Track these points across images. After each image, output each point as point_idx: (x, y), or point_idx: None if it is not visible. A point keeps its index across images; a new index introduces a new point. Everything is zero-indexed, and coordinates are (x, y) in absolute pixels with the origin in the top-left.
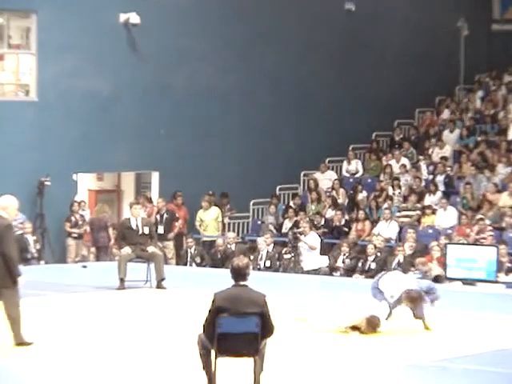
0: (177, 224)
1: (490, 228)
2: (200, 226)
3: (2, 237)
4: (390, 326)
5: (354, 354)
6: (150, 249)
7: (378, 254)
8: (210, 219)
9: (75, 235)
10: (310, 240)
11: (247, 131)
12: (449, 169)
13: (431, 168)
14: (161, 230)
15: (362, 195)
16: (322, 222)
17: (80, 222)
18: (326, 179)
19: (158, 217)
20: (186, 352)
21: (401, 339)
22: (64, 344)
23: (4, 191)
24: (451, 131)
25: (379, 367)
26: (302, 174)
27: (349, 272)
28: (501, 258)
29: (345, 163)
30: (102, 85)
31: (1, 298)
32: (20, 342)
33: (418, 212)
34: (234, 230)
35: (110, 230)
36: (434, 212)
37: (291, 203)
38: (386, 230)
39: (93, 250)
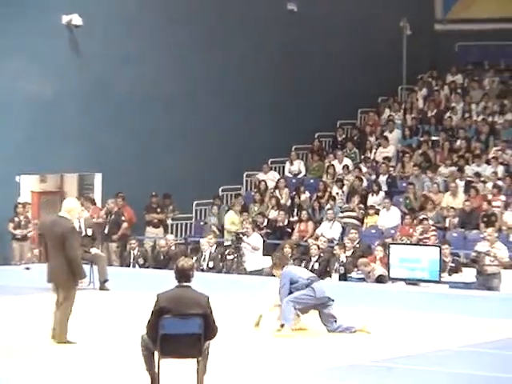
0: (124, 225)
1: (433, 228)
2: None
3: (66, 238)
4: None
5: (297, 355)
6: (93, 250)
7: (322, 254)
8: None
9: (19, 237)
10: (253, 241)
11: (190, 132)
12: (391, 169)
13: (374, 168)
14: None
15: (304, 196)
16: (265, 223)
17: (23, 223)
18: (268, 180)
19: (107, 218)
20: (129, 353)
21: (343, 339)
22: (6, 347)
23: None
24: (390, 131)
25: (323, 367)
26: (244, 175)
27: None
28: (444, 257)
29: (287, 164)
30: (45, 86)
31: (59, 296)
32: (62, 341)
33: (362, 212)
34: (177, 231)
35: None
36: (376, 212)
37: (233, 204)
38: (329, 230)
39: (36, 251)
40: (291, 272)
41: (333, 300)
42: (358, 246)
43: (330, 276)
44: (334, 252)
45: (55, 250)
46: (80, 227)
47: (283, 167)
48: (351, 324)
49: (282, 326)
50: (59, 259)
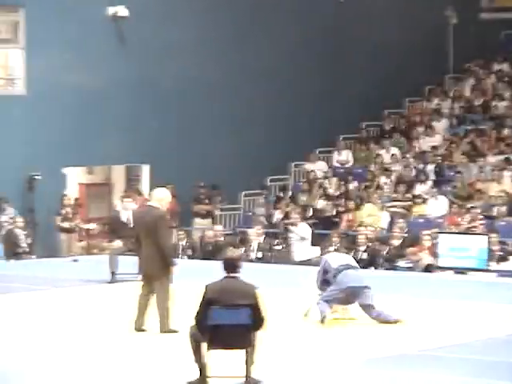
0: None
1: (481, 217)
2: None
3: (157, 226)
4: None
5: (345, 345)
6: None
7: (369, 244)
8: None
9: (66, 229)
10: (301, 231)
11: (237, 122)
12: (439, 158)
13: (421, 157)
14: None
15: (352, 185)
16: (311, 213)
17: (70, 216)
18: (316, 169)
19: None
20: (179, 344)
21: (391, 329)
22: (57, 339)
23: None
24: (438, 120)
25: (371, 357)
26: (292, 165)
27: None
28: (492, 246)
29: (335, 153)
30: (91, 78)
31: (148, 286)
32: (166, 331)
33: (409, 203)
34: (225, 222)
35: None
36: (424, 201)
37: (281, 194)
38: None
39: (83, 243)
40: (327, 260)
41: (369, 288)
42: (406, 235)
43: (376, 267)
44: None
45: (148, 239)
46: (127, 219)
47: (331, 157)
48: (390, 313)
49: (323, 321)
50: (152, 248)
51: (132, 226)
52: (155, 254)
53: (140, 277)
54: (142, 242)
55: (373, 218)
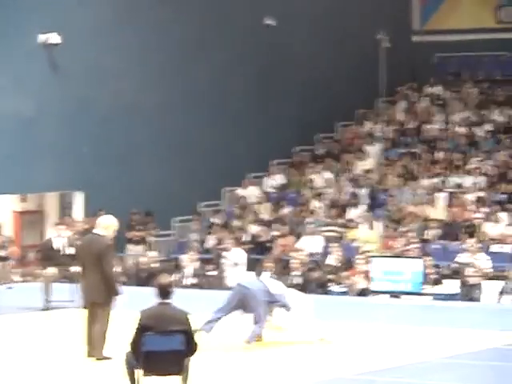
0: None
1: (416, 240)
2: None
3: (103, 255)
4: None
5: (281, 368)
6: (75, 268)
7: (303, 269)
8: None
9: (0, 257)
10: (234, 256)
11: (169, 148)
12: (372, 181)
13: (354, 181)
14: None
15: (285, 210)
16: (247, 238)
17: (6, 244)
18: (248, 195)
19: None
20: (113, 371)
21: (325, 352)
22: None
23: None
24: (371, 144)
25: (308, 381)
26: (224, 190)
27: None
28: (426, 269)
29: (266, 178)
30: (25, 105)
31: (92, 313)
32: (100, 358)
33: (343, 229)
34: (159, 248)
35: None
36: (357, 225)
37: (215, 220)
38: (311, 244)
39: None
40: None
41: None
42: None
43: (310, 291)
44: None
45: (92, 267)
46: (62, 245)
47: (263, 182)
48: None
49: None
50: (96, 276)
51: (75, 253)
52: (99, 282)
53: (82, 304)
54: (85, 270)
55: (372, 245)
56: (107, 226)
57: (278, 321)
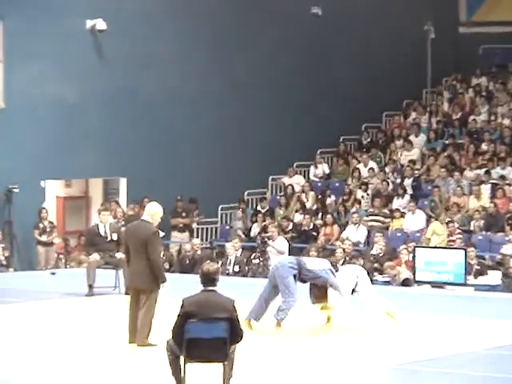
0: None
1: (459, 231)
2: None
3: (149, 242)
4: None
5: (321, 356)
6: (119, 255)
7: (347, 257)
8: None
9: (44, 242)
10: (279, 244)
11: (215, 136)
12: (417, 172)
13: (399, 171)
14: None
15: (330, 199)
16: (291, 227)
17: (48, 229)
18: (294, 183)
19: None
20: (156, 358)
21: (371, 341)
22: (38, 353)
23: None
24: (416, 135)
25: (349, 369)
26: (269, 179)
27: None
28: (469, 260)
29: (312, 167)
30: (70, 91)
31: (136, 300)
32: (143, 344)
33: (388, 219)
34: (202, 236)
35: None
36: (402, 215)
37: (259, 208)
38: (355, 234)
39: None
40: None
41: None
42: (383, 249)
43: None
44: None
45: (137, 253)
46: (105, 232)
47: (308, 171)
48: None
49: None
50: (142, 263)
51: (121, 239)
52: (145, 269)
53: (126, 290)
54: (131, 256)
55: (439, 236)
56: (153, 213)
57: (332, 301)
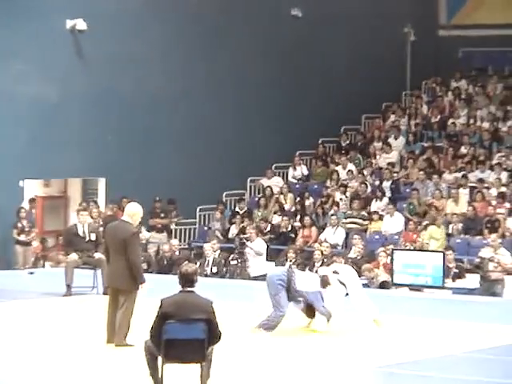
0: None
1: None
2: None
3: (128, 242)
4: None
5: (300, 357)
6: (97, 255)
7: (325, 260)
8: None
9: (22, 242)
10: (257, 246)
11: (193, 137)
12: (395, 175)
13: (378, 173)
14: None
15: (308, 201)
16: (269, 228)
17: (27, 229)
18: (272, 185)
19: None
20: (134, 358)
21: (348, 343)
22: (10, 352)
23: None
24: (396, 138)
25: (327, 371)
26: (248, 180)
27: None
28: (447, 263)
29: (290, 169)
30: (49, 91)
31: (114, 300)
32: (121, 344)
33: (366, 222)
34: (180, 236)
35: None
36: (380, 218)
37: (237, 209)
38: (333, 236)
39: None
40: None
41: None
42: (361, 251)
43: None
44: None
45: (117, 254)
46: (84, 232)
47: (287, 172)
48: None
49: None
50: (121, 263)
51: (100, 239)
52: (124, 269)
53: (104, 290)
54: (110, 256)
55: (437, 241)
56: (133, 213)
57: (316, 324)
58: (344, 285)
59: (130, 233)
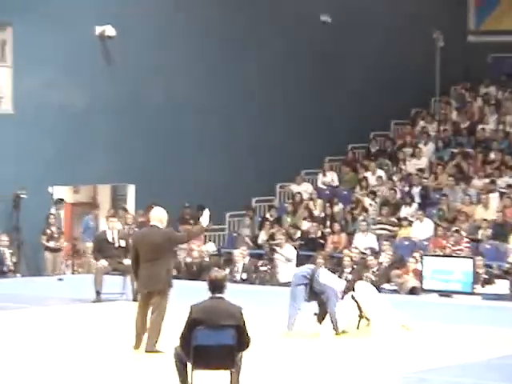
0: None
1: (466, 240)
2: None
3: (165, 246)
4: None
5: (332, 363)
6: (126, 261)
7: (355, 266)
8: None
9: (51, 248)
10: (286, 252)
11: (223, 143)
12: (425, 181)
13: (407, 179)
14: None
15: (338, 207)
16: (298, 234)
17: (56, 235)
18: (302, 191)
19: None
20: (164, 365)
21: (378, 350)
22: (39, 358)
23: None
24: (425, 144)
25: (357, 378)
26: (277, 186)
27: None
28: (477, 269)
29: (320, 175)
30: (78, 97)
31: (147, 306)
32: (151, 351)
33: (396, 228)
34: (210, 243)
35: None
36: (410, 224)
37: (267, 215)
38: (363, 242)
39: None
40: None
41: None
42: (391, 257)
43: None
44: (369, 262)
45: (151, 258)
46: (113, 238)
47: (316, 179)
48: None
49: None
50: (156, 267)
51: (132, 245)
52: (159, 272)
53: (134, 296)
54: (142, 262)
55: None
56: (162, 217)
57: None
58: (357, 302)
59: (169, 236)
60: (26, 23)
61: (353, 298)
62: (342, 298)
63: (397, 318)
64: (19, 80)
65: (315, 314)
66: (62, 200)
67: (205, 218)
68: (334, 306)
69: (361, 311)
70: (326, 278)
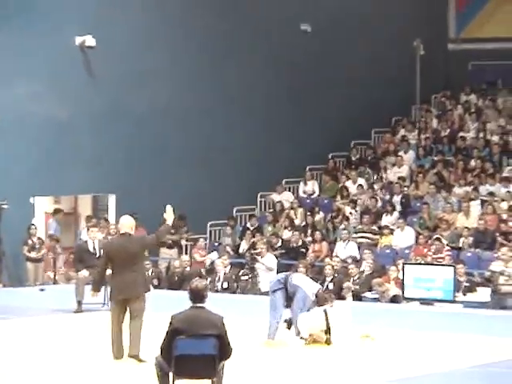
0: None
1: (448, 248)
2: None
3: (140, 253)
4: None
5: (314, 371)
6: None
7: (336, 274)
8: None
9: (33, 258)
10: (267, 261)
11: (204, 153)
12: (405, 189)
13: (388, 188)
14: None
15: (319, 216)
16: (279, 243)
17: (37, 246)
18: (283, 200)
19: None
20: (145, 374)
21: (359, 358)
22: (21, 369)
23: None
24: (405, 152)
25: None
26: (258, 196)
27: None
28: (458, 277)
29: (301, 184)
30: (59, 108)
31: (124, 314)
32: (135, 355)
33: (377, 236)
34: (191, 252)
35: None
36: (391, 232)
37: (248, 224)
38: (344, 250)
39: (50, 274)
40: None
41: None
42: (372, 266)
43: (344, 297)
44: (350, 271)
45: (127, 266)
46: (94, 248)
47: (297, 187)
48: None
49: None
50: (132, 274)
51: (104, 253)
52: (135, 279)
53: (112, 304)
54: (117, 269)
55: None
56: (132, 224)
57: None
58: (327, 317)
59: (141, 243)
60: (5, 34)
61: (325, 312)
62: (315, 306)
63: (354, 329)
64: (0, 91)
65: (285, 321)
66: (60, 210)
67: (169, 215)
68: (298, 309)
69: (328, 327)
70: (299, 280)
